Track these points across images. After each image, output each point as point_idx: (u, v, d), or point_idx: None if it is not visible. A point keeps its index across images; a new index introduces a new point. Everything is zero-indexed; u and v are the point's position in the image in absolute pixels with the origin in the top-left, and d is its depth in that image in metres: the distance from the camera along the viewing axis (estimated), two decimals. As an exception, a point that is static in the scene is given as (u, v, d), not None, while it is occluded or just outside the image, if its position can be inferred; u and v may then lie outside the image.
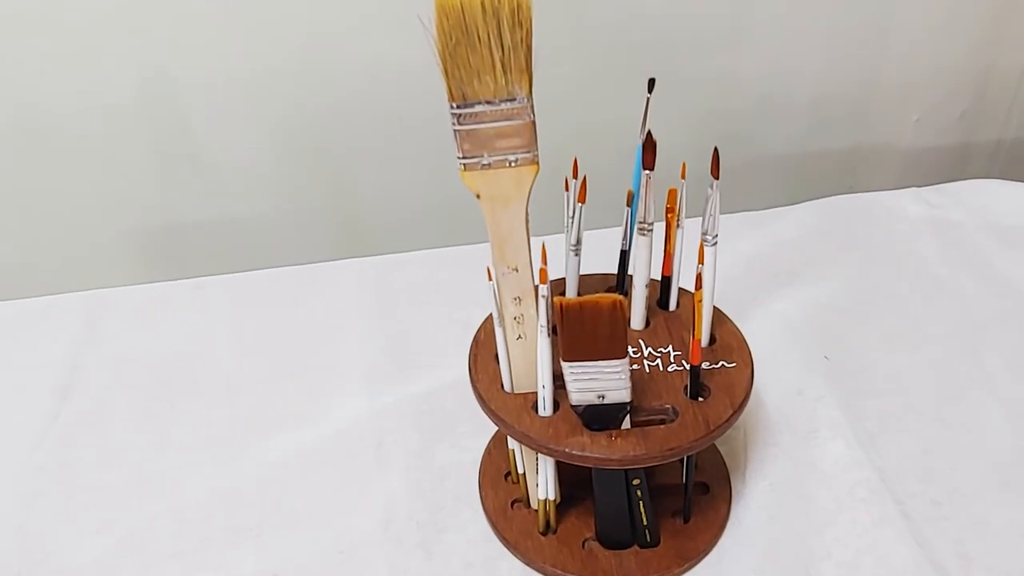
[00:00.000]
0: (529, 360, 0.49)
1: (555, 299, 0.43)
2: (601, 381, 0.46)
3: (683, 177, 0.53)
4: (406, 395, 0.67)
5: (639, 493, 0.52)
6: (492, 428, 0.63)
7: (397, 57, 0.82)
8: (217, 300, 0.78)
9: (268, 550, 0.56)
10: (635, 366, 0.52)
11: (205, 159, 0.87)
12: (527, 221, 0.46)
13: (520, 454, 0.55)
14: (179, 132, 0.84)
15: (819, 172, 1.09)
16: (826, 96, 1.02)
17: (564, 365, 0.46)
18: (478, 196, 0.45)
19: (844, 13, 0.94)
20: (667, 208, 0.53)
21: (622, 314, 0.43)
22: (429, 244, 0.84)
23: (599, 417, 0.48)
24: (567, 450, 0.47)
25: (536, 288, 0.47)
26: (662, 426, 0.48)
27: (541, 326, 0.46)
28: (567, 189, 0.54)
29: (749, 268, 0.79)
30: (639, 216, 0.52)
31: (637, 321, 0.55)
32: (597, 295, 0.43)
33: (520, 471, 0.56)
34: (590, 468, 0.49)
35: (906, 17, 0.96)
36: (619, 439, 0.47)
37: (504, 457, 0.61)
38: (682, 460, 0.54)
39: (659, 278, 0.56)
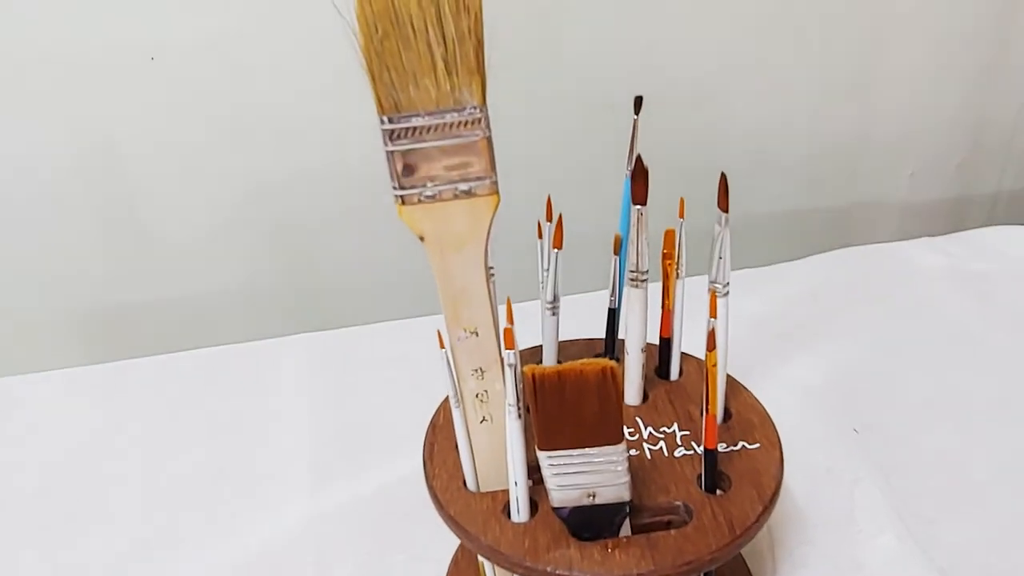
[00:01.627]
0: (497, 449, 0.38)
1: (526, 369, 0.33)
2: (591, 475, 0.35)
3: (681, 215, 0.43)
4: (355, 495, 0.55)
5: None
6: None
7: (355, 119, 0.73)
8: (140, 386, 0.67)
9: None
10: (633, 451, 0.41)
11: (149, 232, 0.76)
12: (487, 270, 0.36)
13: (492, 568, 0.43)
14: (121, 202, 0.74)
15: (813, 230, 1.02)
16: (816, 152, 0.95)
17: (541, 456, 0.35)
18: (422, 238, 0.35)
19: (830, 67, 0.87)
20: (664, 254, 0.43)
21: (615, 384, 0.33)
22: (390, 317, 0.73)
23: (590, 522, 0.36)
24: (549, 569, 0.36)
25: (502, 356, 0.36)
26: (672, 532, 0.37)
27: (510, 405, 0.35)
28: (540, 236, 0.44)
29: (755, 331, 0.69)
30: (630, 264, 0.41)
31: (632, 395, 0.45)
32: (581, 361, 0.33)
33: (492, 587, 0.44)
34: None
35: (894, 70, 0.90)
36: (617, 551, 0.36)
37: (475, 569, 0.49)
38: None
39: (656, 341, 0.46)
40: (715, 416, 0.37)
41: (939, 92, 0.94)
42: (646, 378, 0.45)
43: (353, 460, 0.58)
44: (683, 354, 0.47)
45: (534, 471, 0.37)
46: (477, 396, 0.38)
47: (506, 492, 0.39)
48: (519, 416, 0.35)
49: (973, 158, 1.03)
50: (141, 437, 0.61)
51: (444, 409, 0.45)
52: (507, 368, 0.34)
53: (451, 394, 0.37)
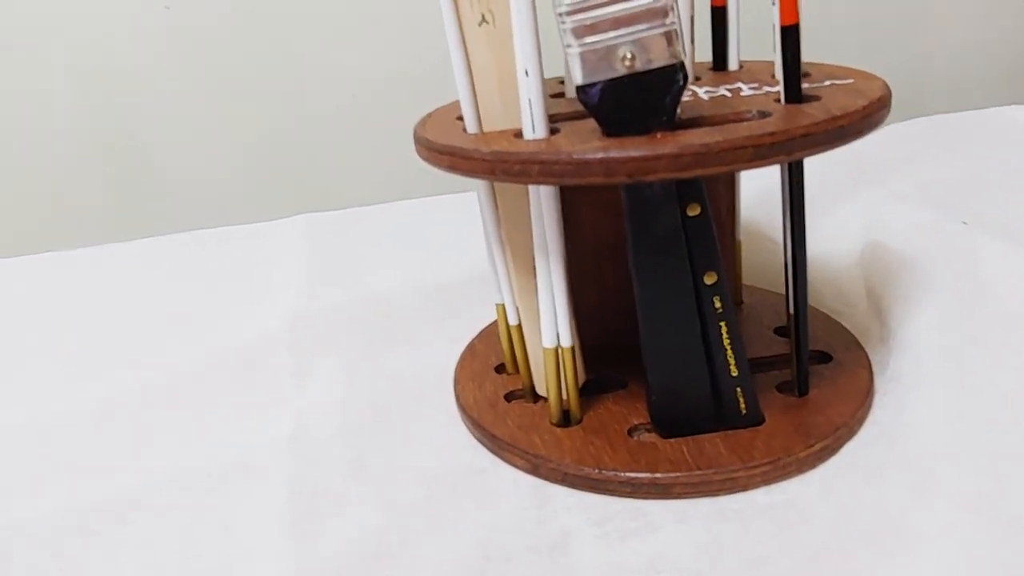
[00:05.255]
0: (504, 65, 0.29)
1: None
2: (625, 15, 0.25)
3: None
4: (350, 301, 0.46)
5: (719, 306, 0.30)
6: (480, 326, 0.42)
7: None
8: (122, 266, 0.58)
9: (120, 471, 0.33)
10: (686, 96, 0.31)
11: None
12: None
13: (508, 283, 0.33)
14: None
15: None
16: None
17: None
18: None
19: (883, 9, 0.80)
20: None
21: None
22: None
23: (629, 107, 0.26)
24: (575, 156, 0.25)
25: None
26: (746, 122, 0.27)
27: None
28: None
29: (826, 175, 0.58)
30: None
31: (681, 70, 0.35)
32: None
33: (514, 322, 0.34)
34: (636, 340, 0.28)
35: (946, 14, 0.82)
36: (668, 137, 0.26)
37: (495, 350, 0.38)
38: (788, 316, 0.32)
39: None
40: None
41: (999, 31, 0.86)
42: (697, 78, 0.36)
43: (345, 282, 0.48)
44: (742, 63, 0.37)
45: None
46: (473, -18, 0.29)
47: (516, 128, 0.29)
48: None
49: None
50: (137, 295, 0.52)
51: (444, 108, 0.36)
52: None
53: (438, -22, 0.28)
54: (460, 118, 0.32)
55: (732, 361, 0.30)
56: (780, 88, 0.29)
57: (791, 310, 0.32)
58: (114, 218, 0.68)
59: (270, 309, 0.46)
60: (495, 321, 0.42)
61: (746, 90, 0.32)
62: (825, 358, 0.35)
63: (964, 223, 0.47)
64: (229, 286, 0.50)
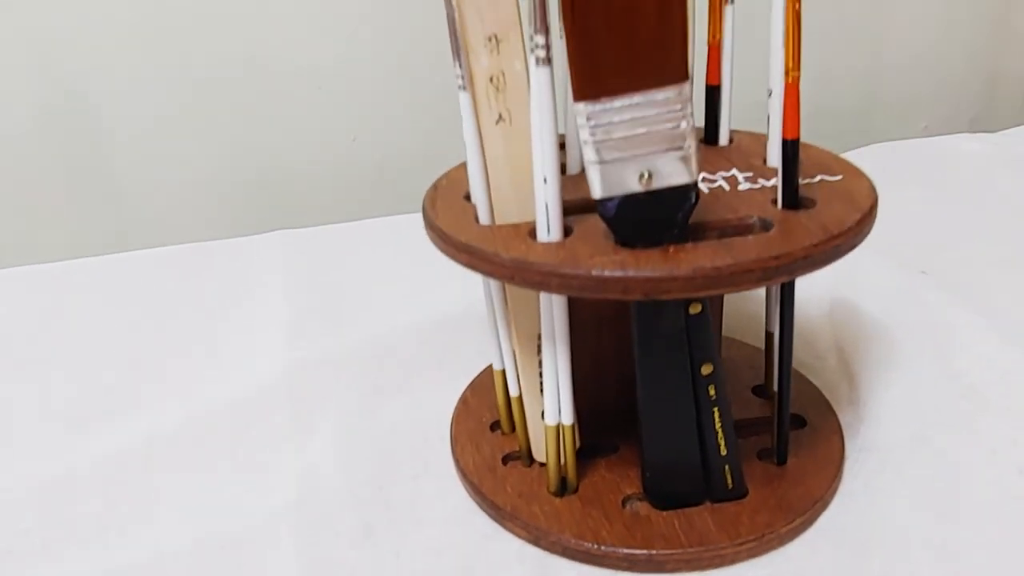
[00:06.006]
0: (518, 160, 0.30)
1: (560, -28, 0.25)
2: (645, 139, 0.27)
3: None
4: (341, 347, 0.46)
5: (713, 393, 0.31)
6: (471, 375, 0.43)
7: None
8: (104, 280, 0.57)
9: (125, 543, 0.34)
10: (686, 188, 0.33)
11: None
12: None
13: (511, 355, 0.34)
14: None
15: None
16: (824, 106, 0.89)
17: (579, 112, 0.26)
18: None
19: (837, 18, 0.82)
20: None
21: (679, -8, 0.25)
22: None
23: (644, 221, 0.28)
24: (595, 273, 0.27)
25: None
26: (751, 236, 0.29)
27: (537, 48, 0.27)
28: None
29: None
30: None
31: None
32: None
33: (515, 393, 0.35)
34: (627, 404, 0.30)
35: (903, 21, 0.85)
36: (682, 253, 0.27)
37: (488, 404, 0.40)
38: (767, 377, 0.34)
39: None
40: (796, 81, 0.29)
41: (950, 44, 0.89)
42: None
43: (335, 324, 0.49)
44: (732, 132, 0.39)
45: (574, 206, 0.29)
46: (491, 81, 0.29)
47: (529, 223, 0.30)
48: (547, 61, 0.27)
49: (987, 112, 0.98)
50: (114, 322, 0.52)
51: (448, 177, 0.37)
52: (532, -21, 0.26)
53: (458, 74, 0.29)
54: (467, 196, 0.33)
55: (722, 442, 0.32)
56: (778, 187, 0.31)
57: (775, 388, 0.34)
58: (75, 226, 0.67)
59: (259, 355, 0.46)
60: (485, 370, 0.43)
61: (742, 181, 0.33)
62: (800, 421, 0.38)
63: (923, 272, 0.50)
64: (210, 323, 0.50)
